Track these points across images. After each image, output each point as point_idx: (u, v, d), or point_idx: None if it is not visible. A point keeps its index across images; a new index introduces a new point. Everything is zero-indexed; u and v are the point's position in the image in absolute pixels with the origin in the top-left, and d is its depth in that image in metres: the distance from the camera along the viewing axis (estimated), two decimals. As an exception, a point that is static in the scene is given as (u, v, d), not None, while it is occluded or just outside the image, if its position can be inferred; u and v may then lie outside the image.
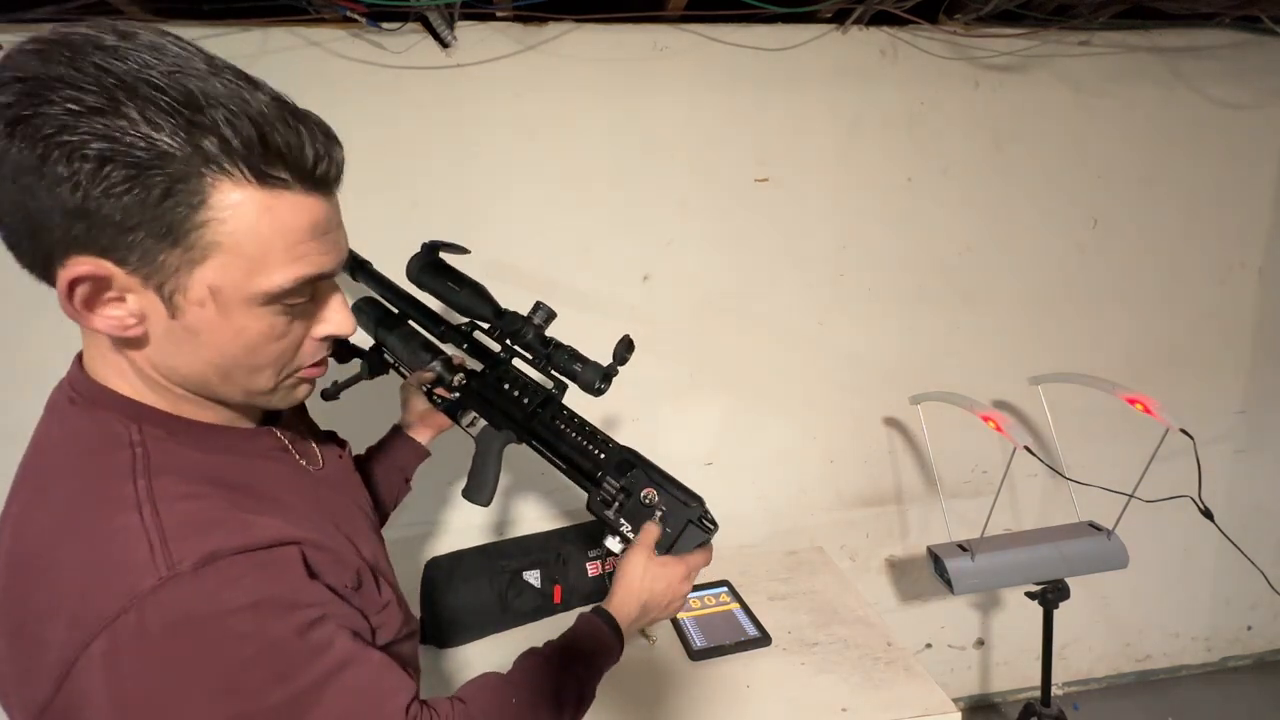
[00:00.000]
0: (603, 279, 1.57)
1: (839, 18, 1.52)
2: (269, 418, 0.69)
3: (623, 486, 0.88)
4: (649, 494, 0.87)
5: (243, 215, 0.50)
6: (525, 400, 0.95)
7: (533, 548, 1.47)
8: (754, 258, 1.62)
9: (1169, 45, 1.65)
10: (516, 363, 0.97)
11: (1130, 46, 1.64)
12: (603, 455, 0.91)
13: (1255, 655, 2.14)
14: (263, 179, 0.50)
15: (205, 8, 1.28)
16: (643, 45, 1.47)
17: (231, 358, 0.55)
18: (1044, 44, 1.60)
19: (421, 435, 1.03)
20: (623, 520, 0.88)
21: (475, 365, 1.00)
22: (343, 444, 0.83)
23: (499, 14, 1.40)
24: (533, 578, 1.42)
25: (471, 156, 1.47)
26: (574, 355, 0.91)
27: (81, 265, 0.48)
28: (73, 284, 0.49)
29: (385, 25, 1.36)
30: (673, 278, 1.59)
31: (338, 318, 0.61)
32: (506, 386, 0.96)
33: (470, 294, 0.93)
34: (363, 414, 1.05)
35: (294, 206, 0.52)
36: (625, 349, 0.89)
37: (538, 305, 0.92)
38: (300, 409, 0.79)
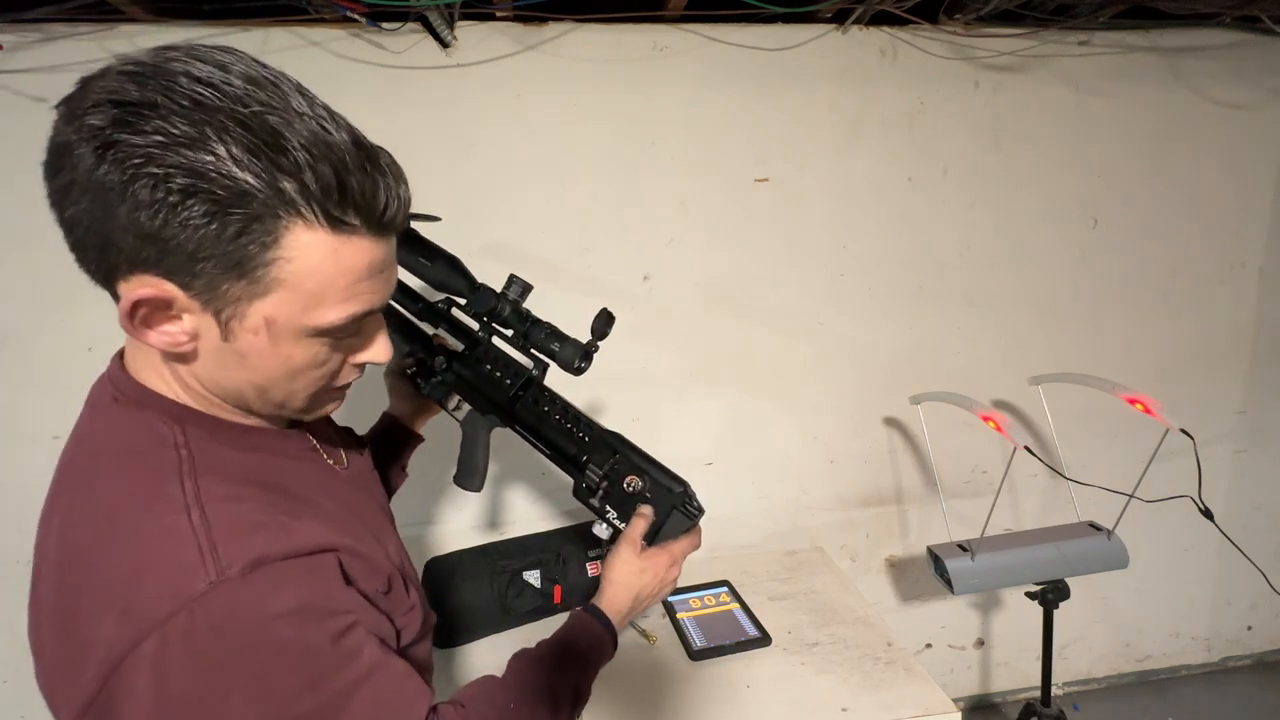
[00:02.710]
0: (603, 279, 1.57)
1: (839, 18, 1.52)
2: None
3: (606, 473, 0.87)
4: (631, 481, 0.85)
5: (309, 256, 0.51)
6: (507, 382, 0.91)
7: (533, 548, 1.47)
8: (754, 257, 1.62)
9: (1169, 45, 1.65)
10: (497, 341, 0.94)
11: (1130, 46, 1.64)
12: (586, 439, 0.89)
13: (1255, 655, 2.14)
14: (335, 224, 0.51)
15: (205, 8, 1.28)
16: (643, 45, 1.47)
17: (273, 380, 0.57)
18: (1044, 44, 1.60)
19: (413, 422, 1.02)
20: (608, 507, 0.87)
21: (456, 345, 0.95)
22: (362, 443, 0.84)
23: (499, 14, 1.40)
24: (533, 578, 1.42)
25: (471, 156, 1.47)
26: (553, 333, 0.88)
27: (146, 287, 0.50)
28: (136, 305, 0.50)
29: (385, 25, 1.36)
30: (673, 277, 1.60)
31: (378, 348, 0.63)
32: (488, 368, 0.92)
33: (444, 268, 0.88)
34: (361, 404, 1.05)
35: (358, 250, 0.53)
36: (604, 323, 0.87)
37: (512, 279, 0.89)
38: None
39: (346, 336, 0.59)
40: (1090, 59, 1.63)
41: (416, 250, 0.89)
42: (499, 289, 0.90)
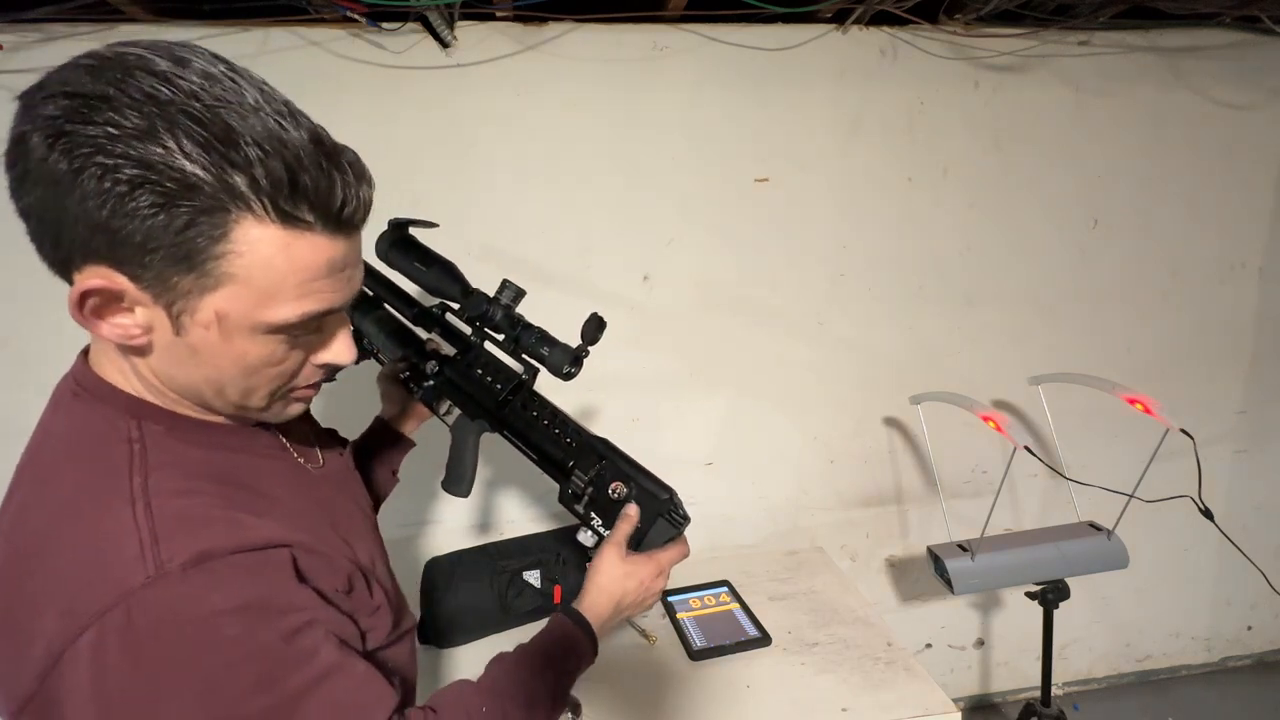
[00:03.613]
0: (602, 279, 1.57)
1: (839, 18, 1.52)
2: None
3: (591, 479, 0.86)
4: (616, 487, 0.84)
5: (260, 251, 0.51)
6: (497, 387, 0.91)
7: (533, 548, 1.47)
8: (754, 258, 1.62)
9: (1169, 45, 1.65)
10: (489, 347, 0.94)
11: (1130, 46, 1.64)
12: (573, 445, 0.87)
13: (1255, 655, 2.14)
14: (286, 219, 0.51)
15: (205, 8, 1.28)
16: (643, 45, 1.47)
17: (229, 377, 0.57)
18: (1044, 44, 1.60)
19: (404, 426, 1.02)
20: (593, 514, 0.86)
21: (449, 350, 0.95)
22: (342, 443, 0.83)
23: (499, 14, 1.40)
24: (533, 578, 1.42)
25: (471, 156, 1.47)
26: (543, 337, 0.88)
27: (95, 278, 0.50)
28: (85, 295, 0.50)
29: (385, 25, 1.36)
30: (672, 278, 1.59)
31: (339, 348, 0.62)
32: (478, 373, 0.92)
33: (439, 273, 0.88)
34: (353, 407, 1.05)
35: (313, 246, 0.53)
36: (595, 329, 0.86)
37: (505, 284, 0.89)
38: None
39: (305, 335, 0.58)
40: (1090, 59, 1.63)
41: (413, 255, 0.89)
42: (492, 293, 0.89)
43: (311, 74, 1.36)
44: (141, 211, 0.47)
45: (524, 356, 0.90)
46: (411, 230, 0.91)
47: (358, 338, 0.96)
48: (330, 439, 0.81)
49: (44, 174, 0.47)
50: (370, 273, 0.95)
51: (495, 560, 1.42)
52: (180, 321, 0.52)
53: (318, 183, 0.51)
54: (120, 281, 0.50)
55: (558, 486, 0.90)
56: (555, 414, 0.90)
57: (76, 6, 1.21)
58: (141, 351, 0.55)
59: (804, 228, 1.62)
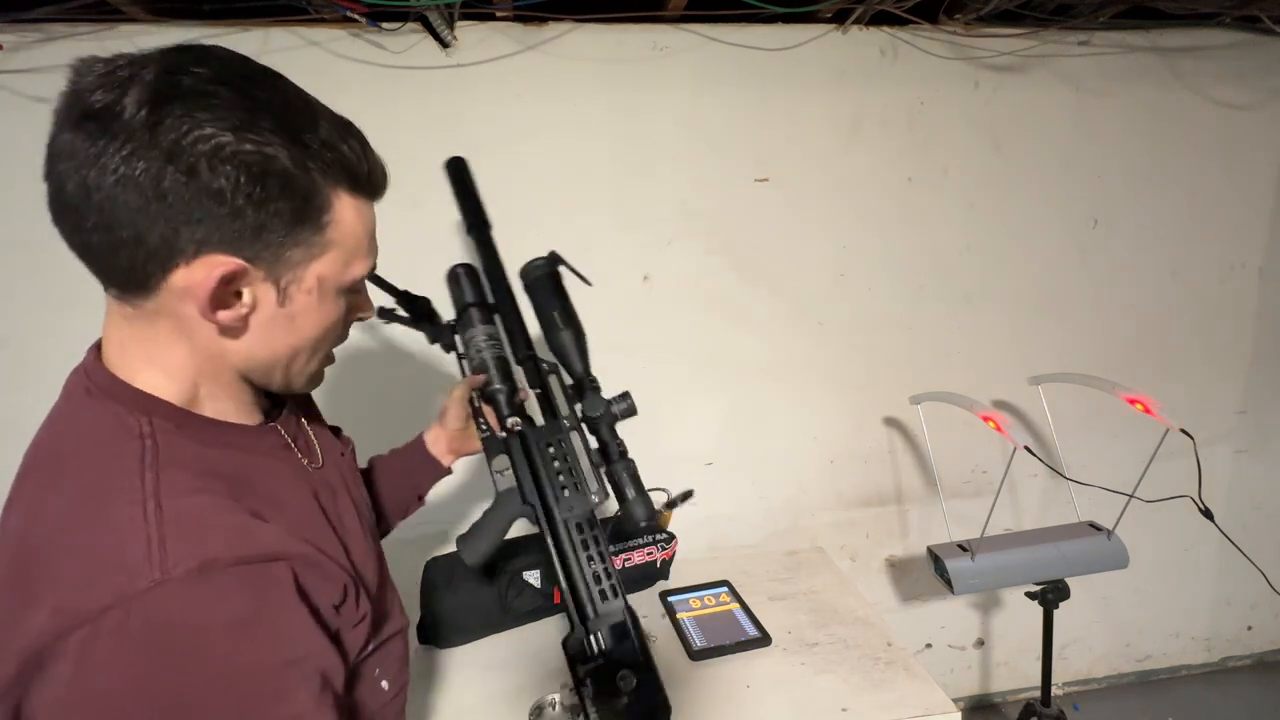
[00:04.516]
0: (603, 279, 1.56)
1: (839, 18, 1.52)
2: (271, 413, 0.70)
3: (605, 651, 0.80)
4: (626, 677, 0.79)
5: (348, 218, 0.59)
6: (564, 491, 0.85)
7: (533, 548, 1.46)
8: (754, 258, 1.62)
9: (1169, 45, 1.65)
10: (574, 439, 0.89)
11: (1130, 46, 1.64)
12: (605, 599, 0.82)
13: (1255, 655, 2.14)
14: (362, 190, 0.60)
15: (205, 8, 1.28)
16: (643, 45, 1.47)
17: (310, 339, 0.62)
18: (1044, 44, 1.60)
19: (445, 454, 1.01)
20: (589, 683, 0.79)
21: (536, 414, 0.90)
22: (345, 440, 0.83)
23: (499, 14, 1.40)
24: (533, 578, 1.42)
25: (471, 156, 1.46)
26: (633, 476, 0.84)
27: (224, 264, 0.53)
28: (221, 280, 0.54)
29: (385, 25, 1.36)
30: (673, 278, 1.59)
31: (367, 302, 0.70)
32: (556, 464, 0.86)
33: (572, 337, 0.86)
34: (362, 407, 1.05)
35: (370, 210, 0.63)
36: (681, 499, 0.89)
37: (624, 396, 0.85)
38: (309, 403, 0.80)
39: (353, 293, 0.65)
40: (1090, 59, 1.63)
41: (556, 303, 0.87)
42: (609, 397, 0.86)
43: (311, 74, 1.34)
44: (266, 198, 0.52)
45: (604, 476, 0.86)
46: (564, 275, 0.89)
47: (446, 335, 0.94)
48: (330, 437, 0.81)
49: (149, 176, 0.49)
50: (502, 279, 0.93)
51: (495, 560, 1.42)
52: (287, 293, 0.58)
53: (368, 156, 0.60)
54: (241, 264, 0.54)
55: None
56: (604, 556, 0.84)
57: (76, 6, 1.21)
58: (237, 334, 0.58)
59: (804, 228, 1.62)
